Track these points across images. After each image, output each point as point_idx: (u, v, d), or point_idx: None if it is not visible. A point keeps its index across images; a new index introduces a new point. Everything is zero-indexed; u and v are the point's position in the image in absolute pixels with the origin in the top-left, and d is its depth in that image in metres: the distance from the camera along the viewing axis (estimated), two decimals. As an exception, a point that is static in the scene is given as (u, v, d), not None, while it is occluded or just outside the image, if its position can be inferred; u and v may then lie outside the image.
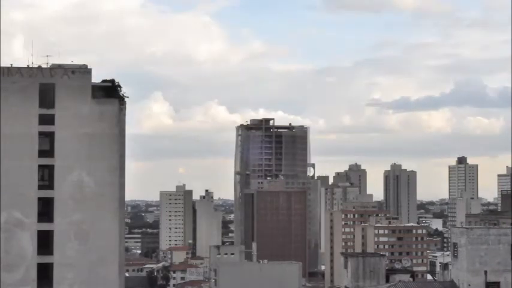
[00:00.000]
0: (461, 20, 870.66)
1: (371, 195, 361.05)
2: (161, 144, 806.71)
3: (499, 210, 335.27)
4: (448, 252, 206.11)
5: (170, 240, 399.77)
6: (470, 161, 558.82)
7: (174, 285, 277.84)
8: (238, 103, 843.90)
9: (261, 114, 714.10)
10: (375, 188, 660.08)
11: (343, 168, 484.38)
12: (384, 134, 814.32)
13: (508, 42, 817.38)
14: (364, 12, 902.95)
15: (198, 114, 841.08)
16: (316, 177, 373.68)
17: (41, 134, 70.28)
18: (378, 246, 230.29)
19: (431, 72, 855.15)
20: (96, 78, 72.62)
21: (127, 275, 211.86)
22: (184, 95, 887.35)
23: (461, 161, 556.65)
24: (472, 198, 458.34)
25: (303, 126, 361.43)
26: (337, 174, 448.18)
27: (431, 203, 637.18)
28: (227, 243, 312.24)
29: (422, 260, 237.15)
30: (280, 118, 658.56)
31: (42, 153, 70.00)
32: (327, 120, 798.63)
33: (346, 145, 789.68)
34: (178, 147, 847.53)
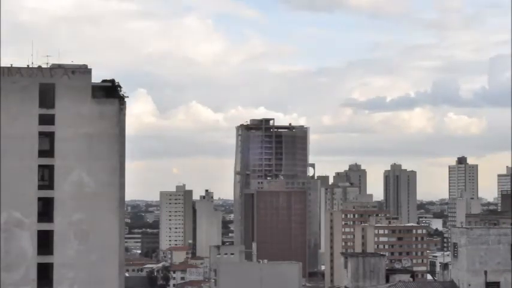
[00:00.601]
0: (420, 21, 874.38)
1: (371, 195, 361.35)
2: (152, 144, 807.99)
3: (499, 210, 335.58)
4: (448, 252, 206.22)
5: (170, 240, 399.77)
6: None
7: (174, 285, 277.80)
8: (223, 102, 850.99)
9: (239, 111, 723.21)
10: (375, 188, 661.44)
11: (342, 168, 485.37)
12: (364, 134, 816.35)
13: (471, 43, 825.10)
14: (318, 13, 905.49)
15: (183, 113, 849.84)
16: (316, 177, 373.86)
17: (41, 134, 70.28)
18: (378, 246, 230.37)
19: (424, 72, 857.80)
20: (96, 78, 72.82)
21: (127, 275, 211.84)
22: (175, 95, 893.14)
23: (461, 161, 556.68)
24: (472, 198, 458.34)
25: (303, 126, 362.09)
26: (337, 174, 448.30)
27: (431, 203, 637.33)
28: (227, 243, 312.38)
29: (422, 260, 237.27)
30: (263, 114, 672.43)
31: (42, 153, 69.99)
32: (308, 119, 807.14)
33: (329, 145, 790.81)
34: (168, 147, 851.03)
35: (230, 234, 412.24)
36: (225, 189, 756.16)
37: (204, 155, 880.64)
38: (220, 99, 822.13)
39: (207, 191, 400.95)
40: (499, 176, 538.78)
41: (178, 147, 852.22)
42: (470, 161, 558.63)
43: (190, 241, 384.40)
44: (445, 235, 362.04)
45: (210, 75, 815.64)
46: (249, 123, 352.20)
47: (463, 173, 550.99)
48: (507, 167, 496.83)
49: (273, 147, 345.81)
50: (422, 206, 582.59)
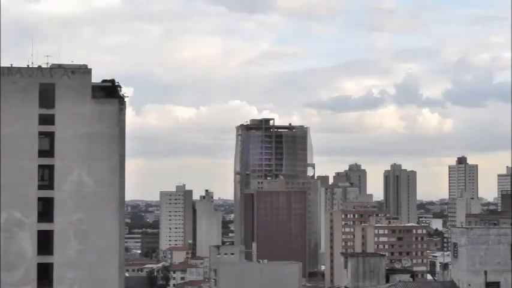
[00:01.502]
0: (372, 24, 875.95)
1: (371, 195, 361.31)
2: (151, 144, 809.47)
3: (499, 210, 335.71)
4: (448, 252, 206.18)
5: (170, 240, 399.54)
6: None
7: (174, 285, 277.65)
8: (203, 99, 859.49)
9: (214, 107, 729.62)
10: (375, 188, 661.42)
11: (342, 168, 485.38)
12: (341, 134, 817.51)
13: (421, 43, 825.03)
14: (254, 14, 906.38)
15: (180, 113, 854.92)
16: (316, 177, 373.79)
17: (41, 134, 70.28)
18: (377, 246, 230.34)
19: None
20: (96, 78, 72.81)
21: (127, 275, 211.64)
22: (168, 95, 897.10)
23: (461, 161, 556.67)
24: (472, 198, 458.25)
25: (302, 126, 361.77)
26: (337, 174, 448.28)
27: (431, 203, 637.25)
28: (227, 243, 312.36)
29: (422, 260, 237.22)
30: (238, 105, 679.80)
31: (42, 153, 69.98)
32: (281, 116, 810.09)
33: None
34: (166, 146, 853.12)
35: (230, 234, 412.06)
36: (225, 189, 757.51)
37: (203, 155, 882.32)
38: (200, 97, 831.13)
39: (207, 191, 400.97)
40: (499, 176, 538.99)
41: (177, 147, 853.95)
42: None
43: (190, 241, 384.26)
44: (445, 235, 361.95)
45: (202, 75, 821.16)
46: (249, 123, 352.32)
47: (463, 173, 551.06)
48: (507, 167, 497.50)
49: (273, 147, 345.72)
50: (422, 206, 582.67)
